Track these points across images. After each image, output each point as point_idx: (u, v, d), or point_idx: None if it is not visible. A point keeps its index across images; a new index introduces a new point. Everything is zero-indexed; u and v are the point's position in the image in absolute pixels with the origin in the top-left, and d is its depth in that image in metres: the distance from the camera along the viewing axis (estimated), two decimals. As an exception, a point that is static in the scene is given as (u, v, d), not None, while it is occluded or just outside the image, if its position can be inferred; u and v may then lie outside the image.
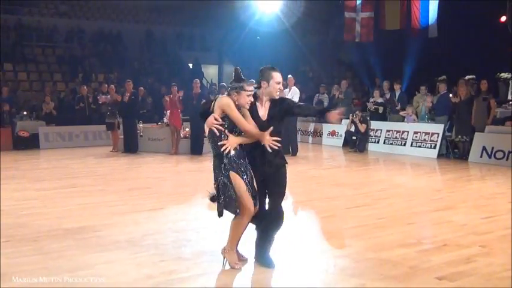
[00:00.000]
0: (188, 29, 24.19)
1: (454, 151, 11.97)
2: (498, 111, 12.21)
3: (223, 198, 4.02)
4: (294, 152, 12.27)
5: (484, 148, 11.10)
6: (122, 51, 22.25)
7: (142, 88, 16.56)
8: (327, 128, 15.24)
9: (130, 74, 18.19)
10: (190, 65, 23.67)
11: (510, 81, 13.78)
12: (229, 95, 4.11)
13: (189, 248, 4.90)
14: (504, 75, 13.93)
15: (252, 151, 4.19)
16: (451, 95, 11.73)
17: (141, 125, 13.51)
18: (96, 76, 20.26)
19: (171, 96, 12.79)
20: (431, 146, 12.19)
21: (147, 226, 5.71)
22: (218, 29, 22.77)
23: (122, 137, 13.16)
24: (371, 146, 13.50)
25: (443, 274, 4.18)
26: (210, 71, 24.46)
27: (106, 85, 15.70)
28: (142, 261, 4.49)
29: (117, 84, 15.40)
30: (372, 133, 13.63)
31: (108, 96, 13.53)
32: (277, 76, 4.20)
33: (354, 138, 13.45)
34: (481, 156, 11.08)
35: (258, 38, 19.94)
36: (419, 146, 12.46)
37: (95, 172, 9.85)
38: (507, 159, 10.60)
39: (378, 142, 13.51)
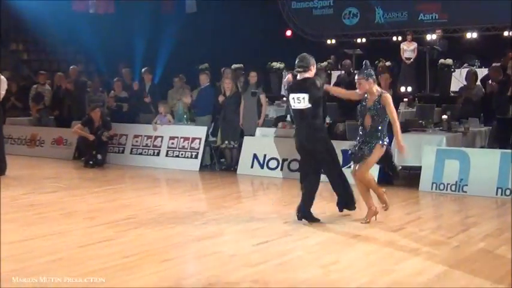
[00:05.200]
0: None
1: (220, 161, 12.85)
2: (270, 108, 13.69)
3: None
4: (2, 172, 11.62)
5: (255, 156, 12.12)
6: None
7: None
8: (50, 133, 14.88)
9: None
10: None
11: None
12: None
13: None
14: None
15: None
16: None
17: None
18: None
19: None
20: (192, 155, 12.85)
21: None
22: None
23: None
24: (113, 158, 13.61)
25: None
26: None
27: None
28: None
29: None
30: (114, 140, 13.69)
31: None
32: None
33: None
34: (251, 167, 12.08)
35: None
36: (177, 156, 13.04)
37: None
38: (281, 169, 11.74)
39: (122, 152, 13.70)
